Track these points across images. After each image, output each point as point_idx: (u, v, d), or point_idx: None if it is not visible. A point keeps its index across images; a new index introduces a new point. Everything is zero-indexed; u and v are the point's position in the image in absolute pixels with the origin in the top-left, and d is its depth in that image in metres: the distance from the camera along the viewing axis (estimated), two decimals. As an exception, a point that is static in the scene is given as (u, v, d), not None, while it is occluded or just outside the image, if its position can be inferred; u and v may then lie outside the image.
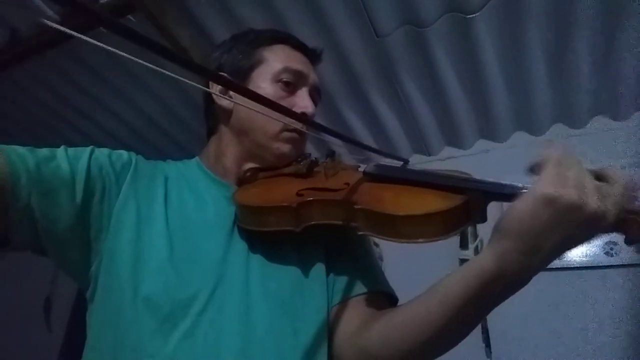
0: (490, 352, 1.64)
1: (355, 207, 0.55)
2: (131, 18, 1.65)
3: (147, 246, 0.59)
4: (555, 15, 1.45)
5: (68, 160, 0.58)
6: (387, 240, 0.53)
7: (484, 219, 0.54)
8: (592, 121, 1.85)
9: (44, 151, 0.57)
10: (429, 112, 1.94)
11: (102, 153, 0.63)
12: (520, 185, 0.49)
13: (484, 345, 1.66)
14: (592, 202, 0.42)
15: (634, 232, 0.45)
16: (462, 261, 1.75)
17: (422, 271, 1.71)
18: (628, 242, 0.46)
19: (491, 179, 0.53)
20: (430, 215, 0.51)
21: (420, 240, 0.51)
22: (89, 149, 0.62)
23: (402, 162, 0.78)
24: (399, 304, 0.70)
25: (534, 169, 0.45)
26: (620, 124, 1.80)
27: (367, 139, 2.13)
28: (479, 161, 2.02)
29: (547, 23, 1.48)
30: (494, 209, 0.52)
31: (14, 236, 0.53)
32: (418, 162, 2.18)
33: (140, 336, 0.54)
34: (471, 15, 1.45)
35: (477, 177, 0.55)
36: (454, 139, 2.08)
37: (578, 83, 1.68)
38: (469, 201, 0.52)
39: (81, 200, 0.57)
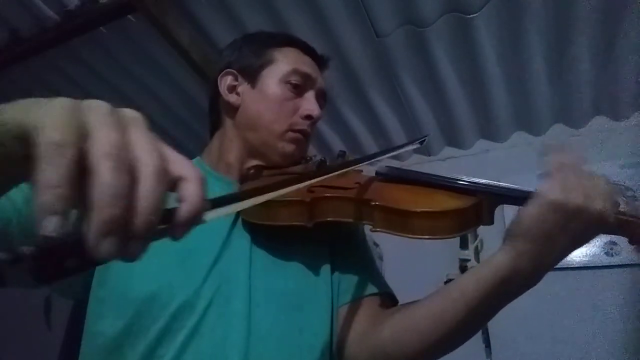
0: (490, 352, 1.64)
1: (372, 203, 0.56)
2: (131, 18, 1.65)
3: None
4: (555, 15, 1.44)
5: None
6: (399, 235, 0.54)
7: (491, 221, 0.56)
8: (592, 121, 1.85)
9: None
10: (429, 112, 1.94)
11: None
12: (530, 189, 0.51)
13: (484, 345, 1.66)
14: (597, 204, 0.45)
15: (637, 235, 0.48)
16: (462, 261, 1.75)
17: (423, 270, 1.72)
18: (632, 242, 0.49)
19: (501, 183, 0.55)
20: (446, 212, 0.53)
21: (431, 236, 0.53)
22: None
23: (423, 138, 0.78)
24: (399, 303, 0.70)
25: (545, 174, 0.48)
26: (620, 124, 1.79)
27: (367, 139, 2.13)
28: (479, 161, 2.02)
29: (547, 23, 1.48)
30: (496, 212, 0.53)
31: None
32: (418, 162, 2.18)
33: (149, 338, 0.53)
34: (471, 15, 1.45)
35: (486, 180, 0.56)
36: (454, 139, 2.08)
37: (578, 83, 1.68)
38: (481, 202, 0.54)
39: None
